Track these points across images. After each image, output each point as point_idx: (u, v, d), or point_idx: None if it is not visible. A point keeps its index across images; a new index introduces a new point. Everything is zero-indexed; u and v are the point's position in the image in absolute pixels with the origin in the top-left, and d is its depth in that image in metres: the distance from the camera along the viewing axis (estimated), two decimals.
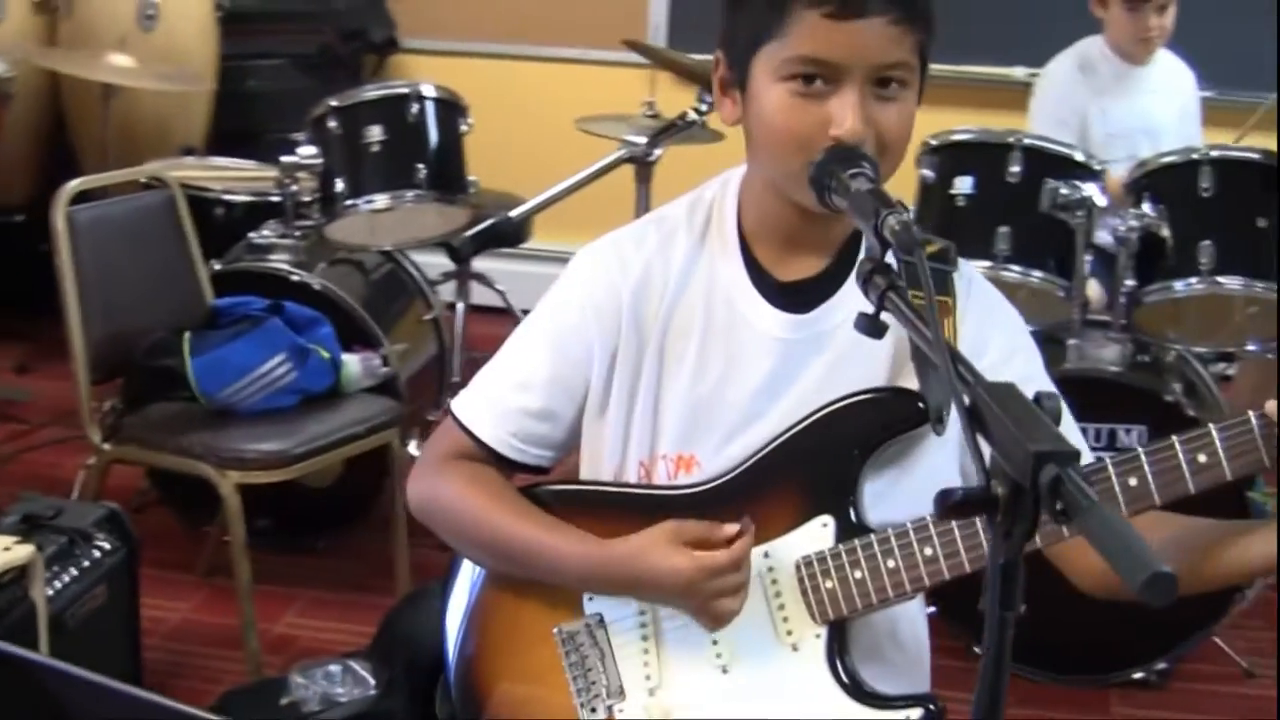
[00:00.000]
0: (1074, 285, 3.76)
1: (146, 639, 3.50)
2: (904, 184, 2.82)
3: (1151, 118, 4.62)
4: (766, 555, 1.90)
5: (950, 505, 1.24)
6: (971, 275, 1.98)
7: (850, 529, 1.88)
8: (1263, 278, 3.65)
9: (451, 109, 4.44)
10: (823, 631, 1.89)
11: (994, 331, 1.94)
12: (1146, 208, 3.72)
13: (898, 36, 1.75)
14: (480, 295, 5.60)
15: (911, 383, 1.88)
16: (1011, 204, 3.79)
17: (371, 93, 4.43)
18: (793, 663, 1.90)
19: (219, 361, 3.65)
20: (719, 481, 1.92)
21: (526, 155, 5.77)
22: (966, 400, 1.29)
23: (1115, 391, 3.61)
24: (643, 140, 4.09)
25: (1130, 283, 3.74)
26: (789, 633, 1.90)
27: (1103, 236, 3.94)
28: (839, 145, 1.73)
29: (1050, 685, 3.71)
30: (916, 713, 1.88)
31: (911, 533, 1.84)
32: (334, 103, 4.33)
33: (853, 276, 1.90)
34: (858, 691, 1.89)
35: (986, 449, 1.89)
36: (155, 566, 3.57)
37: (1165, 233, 3.71)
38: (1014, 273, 3.80)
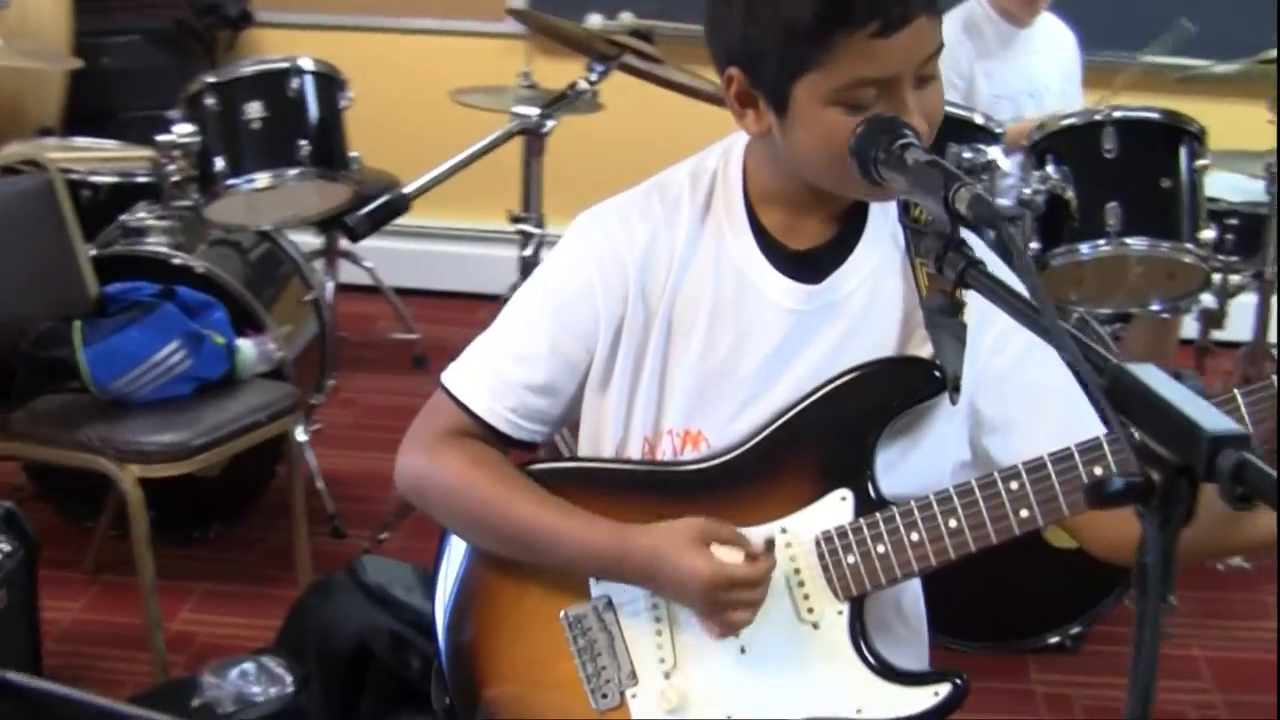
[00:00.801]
0: None
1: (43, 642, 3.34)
2: None
3: (1036, 79, 4.61)
4: (784, 531, 1.84)
5: (1108, 495, 1.18)
6: (973, 241, 1.93)
7: (869, 502, 1.83)
8: (1168, 238, 3.66)
9: (331, 83, 4.29)
10: (844, 608, 1.84)
11: None
12: (1050, 170, 3.71)
13: (933, 27, 1.71)
14: (347, 274, 5.48)
15: (922, 350, 1.83)
16: None
17: (249, 68, 4.24)
18: (815, 641, 1.85)
19: (112, 350, 3.49)
20: (730, 456, 1.86)
21: (397, 129, 5.62)
22: (1103, 383, 1.23)
23: None
24: (533, 112, 3.97)
25: (1035, 245, 3.73)
26: (810, 610, 1.84)
27: (1001, 201, 3.93)
28: (877, 116, 1.67)
29: (969, 655, 3.68)
30: (945, 688, 1.84)
31: (935, 504, 1.79)
32: (210, 79, 4.16)
33: (862, 243, 1.87)
34: (884, 669, 1.84)
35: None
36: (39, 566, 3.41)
37: (1069, 195, 3.70)
38: None
